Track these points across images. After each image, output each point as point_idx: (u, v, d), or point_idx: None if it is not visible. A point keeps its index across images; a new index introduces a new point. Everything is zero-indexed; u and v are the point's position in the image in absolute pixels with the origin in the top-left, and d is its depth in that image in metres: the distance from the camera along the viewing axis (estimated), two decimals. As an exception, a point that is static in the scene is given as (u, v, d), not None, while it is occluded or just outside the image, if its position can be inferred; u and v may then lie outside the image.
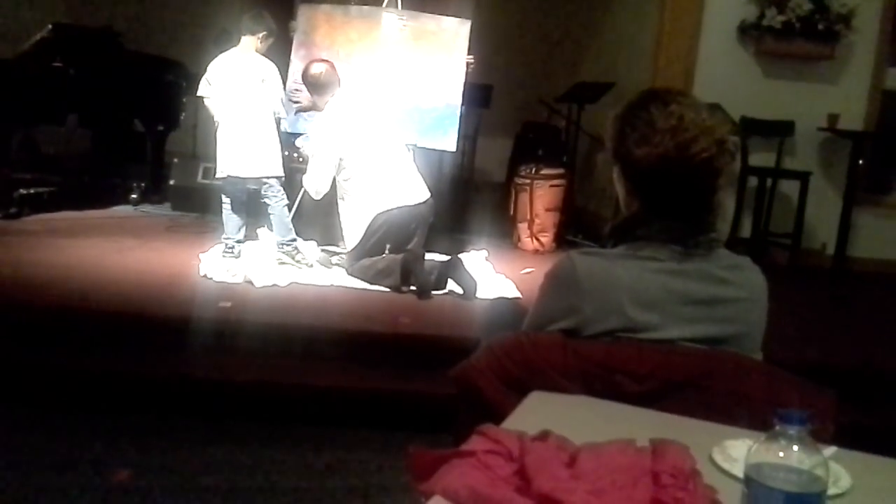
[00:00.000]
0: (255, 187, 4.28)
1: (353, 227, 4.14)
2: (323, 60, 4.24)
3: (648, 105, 1.46)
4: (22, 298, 3.41)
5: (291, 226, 4.32)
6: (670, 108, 1.43)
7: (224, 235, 4.32)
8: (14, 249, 4.19)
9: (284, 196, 4.31)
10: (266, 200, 4.28)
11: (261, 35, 4.26)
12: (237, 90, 4.22)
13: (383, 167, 4.10)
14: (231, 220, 4.31)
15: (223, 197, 4.33)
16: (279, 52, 4.80)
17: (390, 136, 4.21)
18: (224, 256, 4.26)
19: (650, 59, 5.64)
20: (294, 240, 4.30)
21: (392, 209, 4.07)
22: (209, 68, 4.32)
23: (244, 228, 4.38)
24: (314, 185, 4.12)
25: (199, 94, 4.36)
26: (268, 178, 4.25)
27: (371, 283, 4.02)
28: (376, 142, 4.13)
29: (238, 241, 4.31)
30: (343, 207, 4.19)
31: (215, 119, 4.32)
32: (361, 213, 4.10)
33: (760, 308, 1.50)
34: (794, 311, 3.89)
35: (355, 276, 4.09)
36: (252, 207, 4.44)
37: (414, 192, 4.17)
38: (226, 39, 6.72)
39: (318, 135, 4.14)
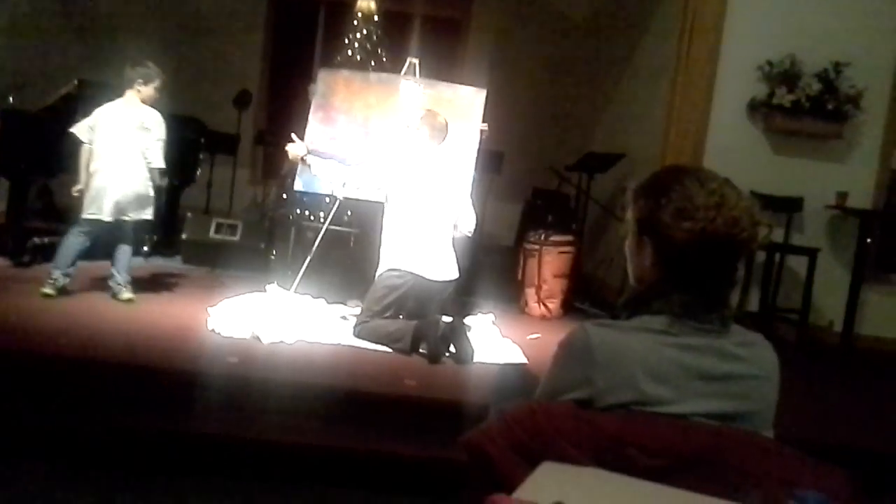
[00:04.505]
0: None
1: (383, 260, 4.18)
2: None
3: (682, 179, 1.47)
4: (28, 347, 3.41)
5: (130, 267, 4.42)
6: (711, 186, 1.45)
7: (53, 264, 4.29)
8: (23, 297, 4.21)
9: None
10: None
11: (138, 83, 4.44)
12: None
13: (423, 227, 4.13)
14: (70, 251, 4.28)
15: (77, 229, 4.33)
16: (298, 113, 4.89)
17: (443, 205, 4.22)
18: (47, 287, 4.22)
19: (660, 132, 5.72)
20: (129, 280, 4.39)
21: (418, 276, 4.08)
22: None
23: (76, 266, 4.34)
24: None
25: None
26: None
27: (378, 345, 4.02)
28: (426, 200, 4.16)
29: (65, 276, 4.27)
30: (383, 236, 4.23)
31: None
32: (393, 253, 4.13)
33: (773, 386, 1.50)
34: (802, 389, 3.86)
35: (363, 339, 4.07)
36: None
37: (445, 268, 4.20)
38: (247, 98, 6.90)
39: (400, 156, 4.28)
